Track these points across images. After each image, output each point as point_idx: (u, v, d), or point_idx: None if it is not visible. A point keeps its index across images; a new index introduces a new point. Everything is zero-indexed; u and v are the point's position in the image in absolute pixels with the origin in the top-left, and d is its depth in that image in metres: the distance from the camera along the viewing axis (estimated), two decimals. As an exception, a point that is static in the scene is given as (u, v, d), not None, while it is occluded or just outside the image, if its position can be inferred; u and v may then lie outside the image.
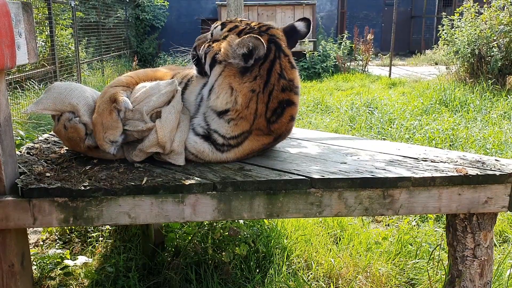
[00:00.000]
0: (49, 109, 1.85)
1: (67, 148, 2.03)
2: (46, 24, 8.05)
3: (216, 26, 2.00)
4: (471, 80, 8.95)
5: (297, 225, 2.97)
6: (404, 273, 2.49)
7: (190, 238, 2.63)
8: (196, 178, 1.72)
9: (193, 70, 2.07)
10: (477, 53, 8.87)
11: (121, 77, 2.03)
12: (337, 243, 2.87)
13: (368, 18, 20.13)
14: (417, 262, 2.55)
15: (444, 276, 2.07)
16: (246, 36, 1.73)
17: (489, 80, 8.24)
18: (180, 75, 2.15)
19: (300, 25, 2.02)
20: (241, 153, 1.89)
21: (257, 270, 2.48)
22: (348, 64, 13.38)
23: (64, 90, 1.88)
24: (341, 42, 13.35)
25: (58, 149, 2.08)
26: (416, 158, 2.00)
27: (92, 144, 1.86)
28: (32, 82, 7.01)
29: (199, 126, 1.89)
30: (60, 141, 2.11)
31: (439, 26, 10.13)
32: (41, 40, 8.00)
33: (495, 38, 8.61)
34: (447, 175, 1.76)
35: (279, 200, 1.71)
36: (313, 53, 12.89)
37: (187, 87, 2.04)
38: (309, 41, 13.22)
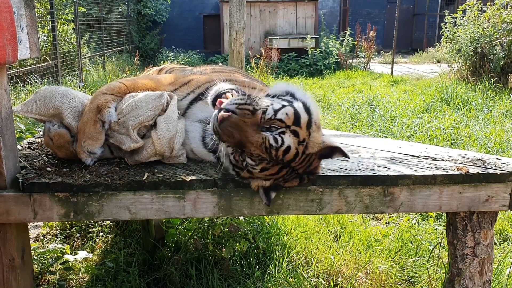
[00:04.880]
0: (32, 112, 1.81)
1: (62, 157, 1.87)
2: (48, 18, 8.04)
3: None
4: (473, 78, 8.93)
5: (297, 222, 2.97)
6: (404, 271, 2.50)
7: (190, 234, 2.63)
8: (197, 174, 1.72)
9: (201, 77, 2.03)
10: (479, 51, 8.84)
11: (115, 83, 1.95)
12: (337, 240, 2.87)
13: (371, 16, 20.08)
14: (417, 260, 2.55)
15: (444, 274, 2.07)
16: None
17: (491, 79, 8.22)
18: (190, 86, 2.01)
19: None
20: None
21: (257, 266, 2.48)
22: (350, 61, 13.36)
23: (48, 94, 1.84)
24: (343, 39, 13.32)
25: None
26: (417, 156, 2.00)
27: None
28: (34, 76, 7.01)
29: (210, 140, 1.79)
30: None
31: (442, 24, 10.09)
32: (43, 34, 7.99)
33: (498, 36, 8.58)
34: (448, 173, 1.76)
35: (280, 197, 1.71)
36: (315, 50, 12.86)
37: (197, 102, 1.94)
38: (311, 37, 13.20)
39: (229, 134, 1.53)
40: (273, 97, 1.69)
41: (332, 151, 1.63)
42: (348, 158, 1.65)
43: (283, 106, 1.60)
